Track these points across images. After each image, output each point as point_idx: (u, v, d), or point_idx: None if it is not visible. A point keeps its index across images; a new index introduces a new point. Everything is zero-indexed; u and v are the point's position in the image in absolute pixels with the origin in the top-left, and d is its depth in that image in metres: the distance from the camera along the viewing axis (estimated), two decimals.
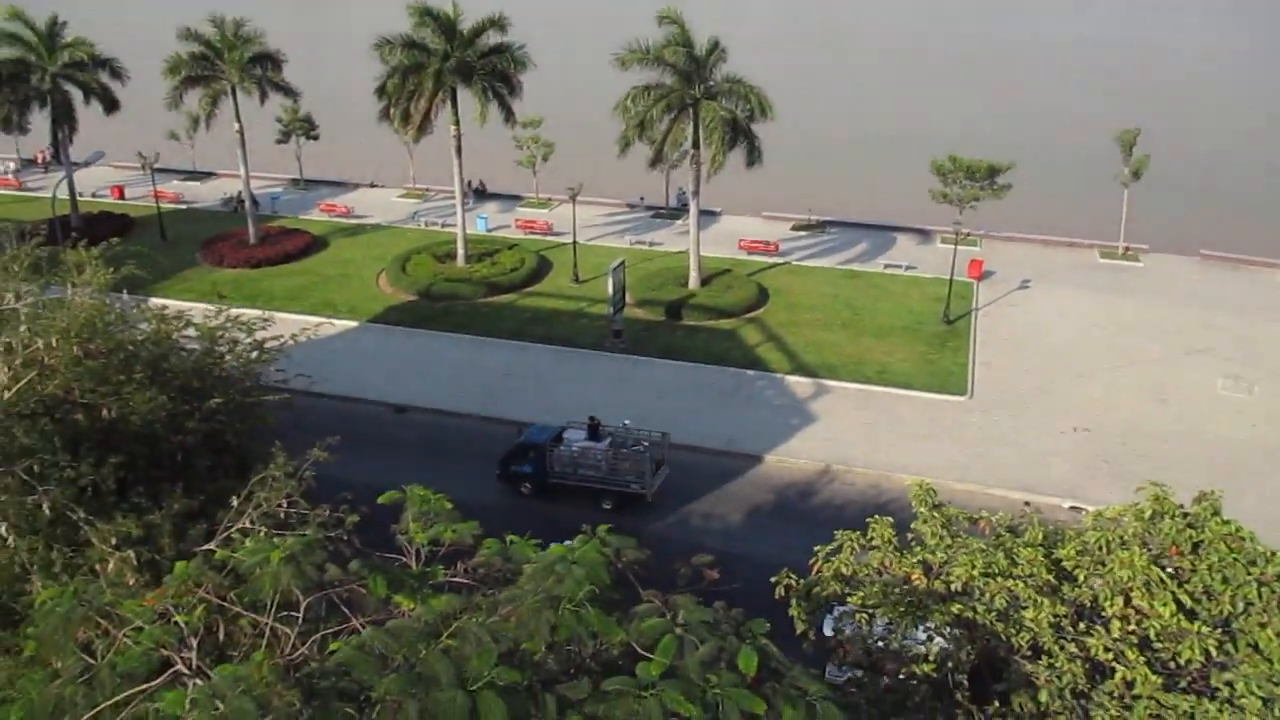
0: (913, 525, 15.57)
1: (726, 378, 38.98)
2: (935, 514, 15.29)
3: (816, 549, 15.28)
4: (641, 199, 60.20)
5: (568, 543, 10.11)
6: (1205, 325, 43.65)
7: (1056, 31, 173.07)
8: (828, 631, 16.15)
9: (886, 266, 50.41)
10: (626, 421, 31.89)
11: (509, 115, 48.26)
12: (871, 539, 15.57)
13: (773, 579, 18.51)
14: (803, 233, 55.87)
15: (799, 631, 17.73)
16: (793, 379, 38.83)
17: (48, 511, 12.25)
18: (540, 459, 30.87)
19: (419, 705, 8.25)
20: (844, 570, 15.22)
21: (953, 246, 45.26)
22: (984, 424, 35.48)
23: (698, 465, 33.06)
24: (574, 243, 48.98)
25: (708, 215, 53.73)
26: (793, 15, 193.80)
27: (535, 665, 9.39)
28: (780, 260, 51.36)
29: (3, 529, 11.80)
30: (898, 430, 35.05)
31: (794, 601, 18.14)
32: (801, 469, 32.72)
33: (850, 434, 34.74)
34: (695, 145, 44.99)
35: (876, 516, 15.55)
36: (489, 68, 46.37)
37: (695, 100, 43.65)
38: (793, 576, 18.45)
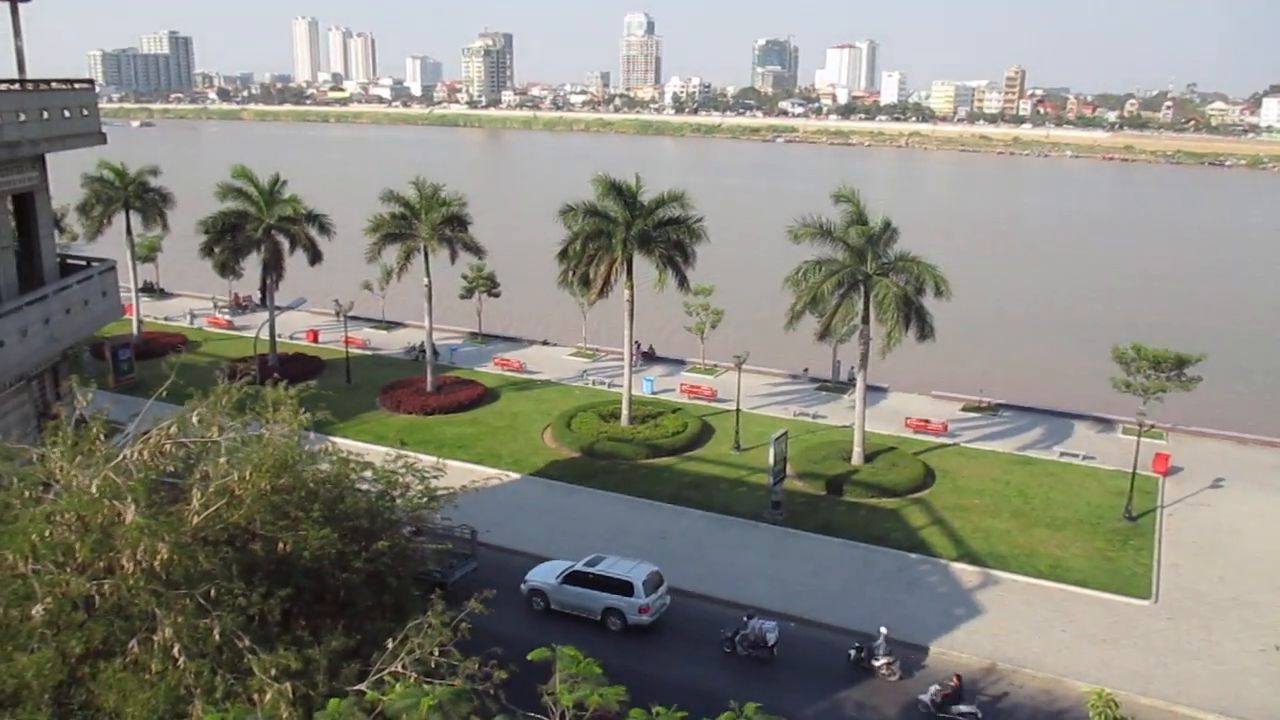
0: None
1: (888, 559, 37.55)
2: None
3: None
4: (806, 371, 60.20)
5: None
6: None
7: (1244, 221, 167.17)
8: None
9: (1062, 455, 48.19)
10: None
11: (683, 282, 49.65)
12: None
13: None
14: (973, 414, 54.34)
15: None
16: (958, 566, 37.05)
17: (217, 636, 12.73)
18: None
19: None
20: None
21: (1136, 438, 42.97)
22: (1170, 633, 32.69)
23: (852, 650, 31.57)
24: (737, 410, 49.11)
25: (874, 391, 53.07)
26: (970, 199, 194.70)
27: None
28: (949, 441, 49.91)
29: (176, 649, 12.30)
30: (1072, 631, 32.67)
31: None
32: (965, 664, 30.76)
33: (1020, 631, 32.59)
34: (865, 320, 44.97)
35: None
36: (666, 237, 48.12)
37: (867, 276, 43.88)
38: None
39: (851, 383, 52.37)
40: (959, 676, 28.56)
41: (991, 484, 44.52)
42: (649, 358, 63.04)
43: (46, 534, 12.72)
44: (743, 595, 34.22)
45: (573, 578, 33.18)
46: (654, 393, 56.51)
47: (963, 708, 27.58)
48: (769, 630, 30.50)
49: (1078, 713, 27.66)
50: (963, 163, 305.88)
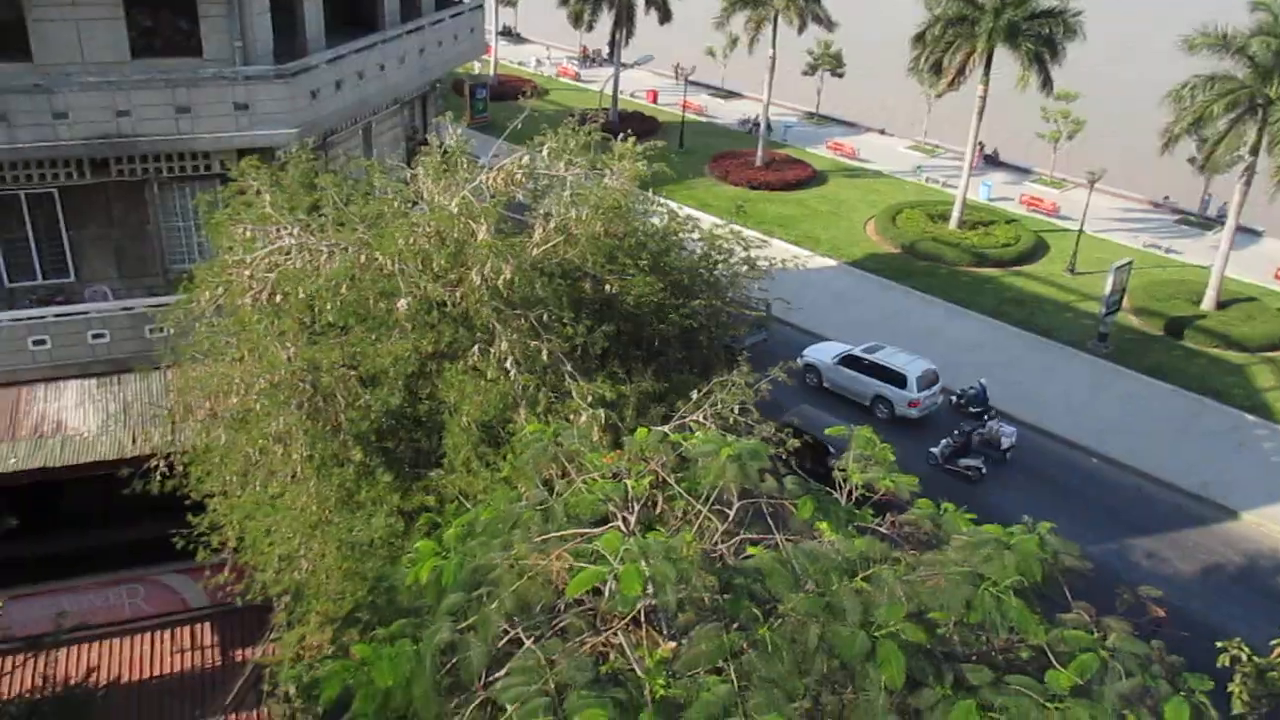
0: None
1: (1219, 416, 34.52)
2: None
3: None
4: (1167, 199, 54.38)
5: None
6: None
7: None
8: None
9: None
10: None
11: (1046, 83, 45.42)
12: None
13: (1219, 643, 16.44)
14: None
15: (1233, 713, 15.68)
16: None
17: (545, 357, 13.96)
18: None
19: (821, 631, 8.41)
20: None
21: None
22: None
23: (1157, 499, 29.91)
24: (1079, 231, 45.54)
25: (1245, 233, 47.19)
26: None
27: (940, 637, 9.14)
28: None
29: (509, 361, 13.65)
30: None
31: (1237, 678, 16.03)
32: None
33: None
34: (1253, 152, 39.54)
35: None
36: (1037, 31, 43.85)
37: (1268, 101, 38.19)
38: (1245, 650, 16.24)
39: (1220, 219, 46.82)
40: (970, 432, 30.28)
41: None
42: (991, 161, 59.11)
43: (411, 241, 14.16)
44: (1047, 423, 32.96)
45: (848, 361, 33.68)
46: (990, 199, 53.34)
47: (969, 461, 29.43)
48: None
49: None
50: None
